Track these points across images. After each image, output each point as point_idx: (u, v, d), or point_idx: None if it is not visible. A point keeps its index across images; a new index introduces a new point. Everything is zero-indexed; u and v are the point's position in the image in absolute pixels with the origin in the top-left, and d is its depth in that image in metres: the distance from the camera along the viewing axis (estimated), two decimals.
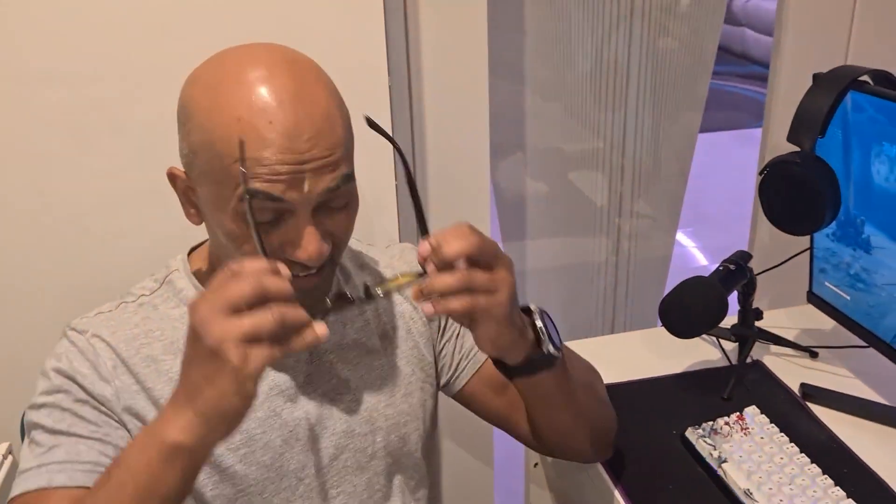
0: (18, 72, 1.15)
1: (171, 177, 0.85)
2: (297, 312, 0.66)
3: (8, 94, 1.16)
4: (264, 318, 0.63)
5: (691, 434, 1.13)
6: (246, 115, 0.73)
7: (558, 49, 1.67)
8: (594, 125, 1.74)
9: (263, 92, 0.74)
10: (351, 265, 0.99)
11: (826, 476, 1.03)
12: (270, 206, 0.75)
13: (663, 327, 1.22)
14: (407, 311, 0.98)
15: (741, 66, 6.63)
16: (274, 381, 0.88)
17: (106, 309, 0.89)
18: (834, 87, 1.09)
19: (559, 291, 1.88)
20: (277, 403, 0.88)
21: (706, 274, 1.22)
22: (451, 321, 1.00)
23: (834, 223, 1.17)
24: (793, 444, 1.09)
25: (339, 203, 0.80)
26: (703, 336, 1.40)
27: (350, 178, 0.79)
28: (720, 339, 1.39)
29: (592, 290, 1.86)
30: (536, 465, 1.37)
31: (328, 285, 0.85)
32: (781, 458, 1.06)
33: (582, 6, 1.63)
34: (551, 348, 0.84)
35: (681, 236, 3.82)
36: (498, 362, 0.87)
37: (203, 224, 0.85)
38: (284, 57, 0.78)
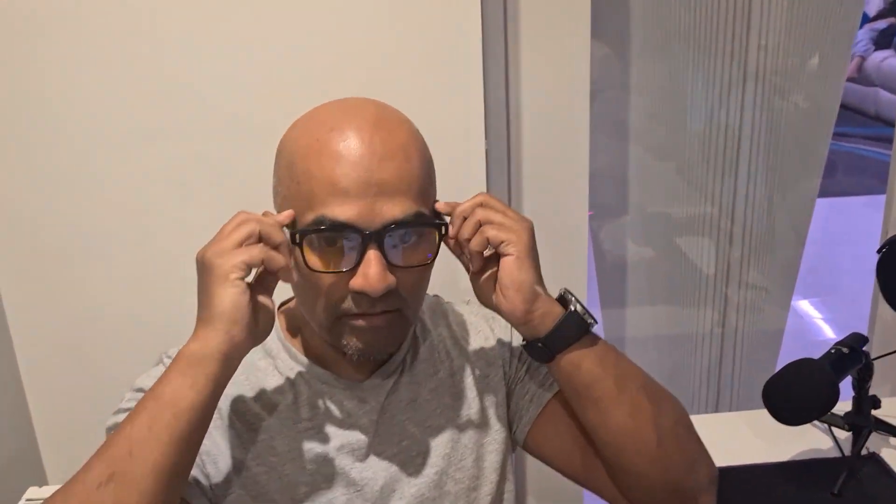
0: (128, 129, 1.21)
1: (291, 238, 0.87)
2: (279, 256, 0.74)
3: (118, 148, 1.22)
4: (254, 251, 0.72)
5: None
6: (325, 136, 0.75)
7: (667, 109, 1.63)
8: (704, 188, 1.67)
9: (346, 118, 0.77)
10: (430, 321, 0.97)
11: None
12: (338, 235, 0.75)
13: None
14: (483, 370, 0.95)
15: (874, 127, 6.30)
16: (344, 439, 0.87)
17: None
18: None
19: (660, 363, 1.79)
20: (346, 462, 0.86)
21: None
22: (521, 377, 0.95)
23: None
24: None
25: (410, 244, 0.77)
26: (815, 422, 1.29)
27: (423, 218, 0.77)
28: (832, 427, 1.28)
29: (696, 363, 1.76)
30: None
31: (395, 337, 0.82)
32: None
33: (693, 66, 1.58)
34: (578, 307, 0.82)
35: (806, 306, 3.61)
36: (532, 346, 0.83)
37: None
38: (376, 102, 0.81)
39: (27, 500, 1.19)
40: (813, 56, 1.59)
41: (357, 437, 0.87)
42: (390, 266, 0.75)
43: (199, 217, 1.24)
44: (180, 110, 1.21)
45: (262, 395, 0.86)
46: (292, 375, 0.87)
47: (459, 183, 1.29)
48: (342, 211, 0.73)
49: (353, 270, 0.75)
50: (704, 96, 1.61)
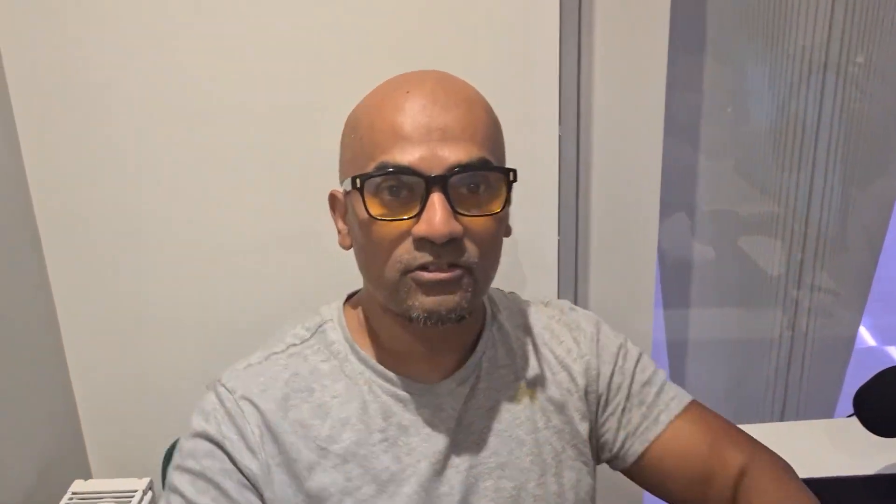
0: (183, 112, 1.16)
1: (331, 199, 0.83)
2: None
3: (172, 132, 1.17)
4: None
5: None
6: (388, 92, 0.74)
7: (731, 103, 1.55)
8: (771, 187, 1.59)
9: (410, 78, 0.76)
10: (508, 322, 0.90)
11: None
12: (401, 181, 0.71)
13: (849, 418, 1.06)
14: (564, 382, 0.88)
15: None
16: (420, 450, 0.81)
17: (255, 360, 0.83)
18: None
19: (724, 367, 1.71)
20: (423, 475, 0.80)
21: (872, 356, 1.05)
22: (613, 395, 0.89)
23: None
24: None
25: (477, 193, 0.73)
26: None
27: (489, 165, 0.73)
28: None
29: (762, 368, 1.68)
30: None
31: (464, 298, 0.74)
32: None
33: (756, 57, 1.50)
34: None
35: None
36: None
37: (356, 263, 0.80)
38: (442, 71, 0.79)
39: (73, 493, 1.15)
40: None
41: (434, 449, 0.81)
42: (455, 213, 0.71)
43: (254, 206, 1.20)
44: (235, 94, 1.16)
45: (328, 410, 0.80)
46: (361, 381, 0.82)
47: (532, 170, 1.23)
48: (404, 156, 0.70)
49: (416, 217, 0.71)
50: (772, 87, 1.53)
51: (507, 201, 0.75)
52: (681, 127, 1.56)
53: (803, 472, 1.14)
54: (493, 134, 0.75)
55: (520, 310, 0.92)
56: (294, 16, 1.13)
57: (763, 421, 1.65)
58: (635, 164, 1.31)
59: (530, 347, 0.89)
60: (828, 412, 1.69)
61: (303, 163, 1.19)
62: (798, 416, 1.71)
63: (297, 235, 1.22)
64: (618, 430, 0.89)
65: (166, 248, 1.22)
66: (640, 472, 0.89)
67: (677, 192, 1.61)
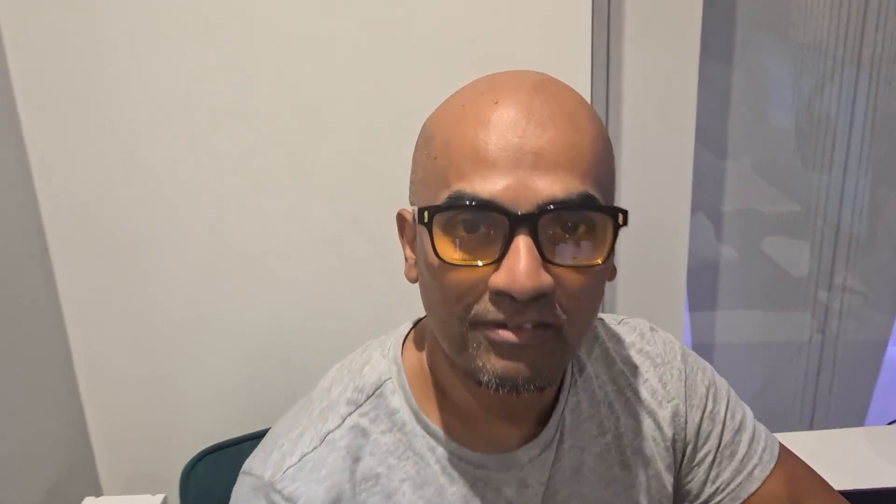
0: (201, 110, 1.11)
1: (399, 220, 0.68)
2: None
3: (189, 132, 1.11)
4: None
5: None
6: (472, 100, 0.59)
7: (750, 100, 1.50)
8: (797, 186, 1.55)
9: (502, 82, 0.60)
10: (588, 357, 0.77)
11: None
12: (478, 217, 0.56)
13: (890, 426, 1.02)
14: (650, 430, 0.76)
15: None
16: None
17: (309, 445, 0.67)
18: None
19: (751, 372, 1.66)
20: None
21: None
22: (702, 443, 0.78)
23: None
24: None
25: (575, 237, 0.58)
26: None
27: (593, 202, 0.57)
28: None
29: (791, 373, 1.63)
30: None
31: (548, 365, 0.60)
32: None
33: (786, 50, 1.45)
34: None
35: None
36: None
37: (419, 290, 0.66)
38: (544, 73, 0.63)
39: None
40: None
41: None
42: (546, 262, 0.56)
43: (275, 208, 1.15)
44: (257, 91, 1.10)
45: (399, 499, 0.67)
46: (433, 459, 0.68)
47: None
48: (485, 186, 0.55)
49: (495, 264, 0.56)
50: (797, 83, 1.49)
51: (612, 250, 0.59)
52: (705, 126, 1.52)
53: (842, 484, 1.09)
54: (602, 162, 0.59)
55: (596, 337, 0.78)
56: (315, 13, 1.08)
57: (792, 429, 1.60)
58: (665, 166, 1.27)
59: (612, 390, 0.76)
60: (859, 419, 1.64)
61: (326, 164, 1.14)
62: (828, 423, 1.66)
63: (320, 239, 1.17)
64: (704, 483, 0.79)
65: (183, 253, 1.17)
66: None
67: (700, 192, 1.57)
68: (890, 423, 1.26)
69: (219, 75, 1.09)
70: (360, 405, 0.68)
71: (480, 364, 0.59)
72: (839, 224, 1.56)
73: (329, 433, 0.67)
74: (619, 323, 0.81)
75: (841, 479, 1.10)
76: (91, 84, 1.08)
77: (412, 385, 0.69)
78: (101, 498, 1.11)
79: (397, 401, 0.68)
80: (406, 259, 0.68)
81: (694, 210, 1.59)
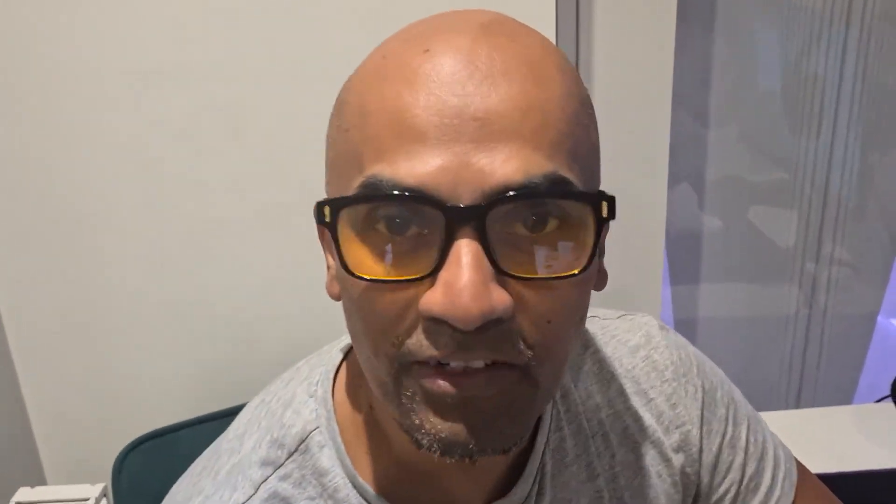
0: (126, 70, 1.03)
1: (319, 214, 0.45)
2: None
3: (114, 94, 1.03)
4: None
5: None
6: (396, 50, 0.43)
7: (734, 63, 1.43)
8: (784, 153, 1.48)
9: (438, 26, 0.43)
10: (575, 378, 0.61)
11: None
12: (403, 213, 0.41)
13: (877, 404, 1.02)
14: (653, 464, 0.61)
15: None
16: None
17: None
18: None
19: (735, 348, 1.61)
20: None
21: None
22: (720, 476, 0.64)
23: None
24: None
25: (541, 230, 0.41)
26: None
27: (566, 187, 0.41)
28: None
29: (777, 349, 1.57)
30: None
31: (512, 421, 0.44)
32: None
33: (771, 9, 1.38)
34: None
35: None
36: None
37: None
38: (496, 13, 0.46)
39: (16, 503, 1.03)
40: None
41: None
42: (500, 274, 0.40)
43: (219, 177, 1.08)
44: (195, 48, 1.02)
45: None
46: None
47: None
48: (412, 168, 0.39)
49: (430, 278, 0.40)
50: (783, 44, 1.42)
51: (596, 252, 0.42)
52: (687, 92, 1.45)
53: (827, 467, 1.04)
54: (578, 129, 0.43)
55: (587, 345, 0.62)
56: None
57: (777, 407, 1.54)
58: (641, 132, 1.19)
59: (608, 416, 0.60)
60: (848, 396, 1.59)
61: (271, 129, 1.06)
62: (815, 400, 1.61)
63: (266, 211, 1.09)
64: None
65: (121, 229, 1.09)
66: None
67: (682, 161, 1.50)
68: (878, 401, 1.20)
69: (144, 32, 1.01)
70: (280, 465, 0.53)
71: (417, 422, 0.43)
72: (827, 191, 1.49)
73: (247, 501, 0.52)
74: (618, 318, 0.65)
75: (825, 462, 1.05)
76: (16, 49, 1.01)
77: (346, 436, 0.53)
78: (37, 488, 1.05)
79: (327, 459, 0.52)
80: (328, 268, 0.51)
81: (677, 180, 1.52)
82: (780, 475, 0.66)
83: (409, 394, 0.43)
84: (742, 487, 0.64)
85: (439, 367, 0.41)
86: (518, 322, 0.41)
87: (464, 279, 0.38)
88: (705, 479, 0.63)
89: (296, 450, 0.53)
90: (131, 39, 1.01)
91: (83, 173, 1.06)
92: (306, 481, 0.52)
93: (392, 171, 0.39)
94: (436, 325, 0.40)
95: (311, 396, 0.54)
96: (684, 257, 1.57)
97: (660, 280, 1.27)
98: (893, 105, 1.44)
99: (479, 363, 0.41)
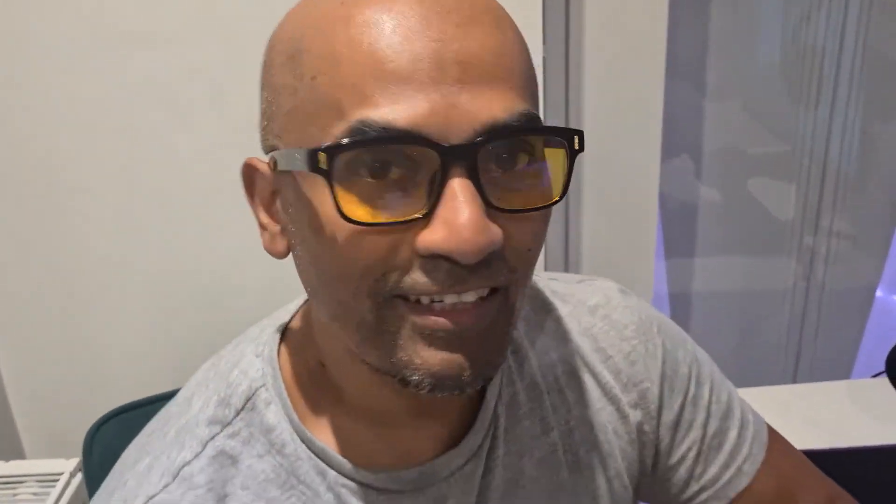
0: (103, 34, 1.00)
1: (247, 173, 0.51)
2: None
3: (90, 60, 1.01)
4: None
5: None
6: None
7: (733, 32, 1.39)
8: (782, 125, 1.45)
9: None
10: (529, 332, 0.62)
11: None
12: (390, 155, 0.42)
13: (875, 379, 1.00)
14: (611, 420, 0.61)
15: None
16: None
17: (158, 485, 0.51)
18: None
19: (732, 322, 1.58)
20: None
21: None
22: (682, 435, 0.64)
23: None
24: None
25: (512, 168, 0.44)
26: None
27: (541, 123, 0.44)
28: None
29: (773, 323, 1.55)
30: None
31: (497, 346, 0.47)
32: None
33: None
34: None
35: None
36: None
37: (292, 256, 0.51)
38: None
39: None
40: None
41: None
42: (490, 209, 0.42)
43: (195, 146, 1.05)
44: (176, 13, 0.99)
45: None
46: (323, 488, 0.53)
47: None
48: (401, 110, 0.40)
49: (425, 218, 0.42)
50: (784, 12, 1.38)
51: (569, 177, 0.45)
52: (685, 61, 1.41)
53: (823, 443, 1.01)
54: (532, 72, 0.46)
55: (546, 306, 0.63)
56: None
57: (774, 382, 1.52)
58: (633, 99, 1.16)
59: (563, 372, 0.61)
60: (846, 370, 1.56)
61: (246, 95, 1.03)
62: (812, 375, 1.58)
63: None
64: (688, 481, 0.65)
65: (97, 205, 1.07)
66: None
67: (675, 132, 1.47)
68: (874, 376, 1.17)
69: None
70: (228, 423, 0.53)
71: (406, 358, 0.44)
72: (826, 163, 1.46)
73: (184, 465, 0.52)
74: (578, 282, 0.66)
75: (820, 438, 1.02)
76: None
77: (292, 391, 0.54)
78: (11, 462, 1.04)
79: (273, 415, 0.53)
80: (263, 227, 0.51)
81: (676, 151, 1.49)
82: (748, 435, 0.65)
83: (392, 330, 0.44)
84: (704, 446, 0.64)
85: (430, 304, 0.43)
86: (504, 252, 0.44)
87: (465, 215, 0.40)
88: (666, 437, 0.63)
89: (242, 408, 0.53)
90: (109, 5, 0.98)
91: (57, 142, 1.04)
92: (254, 438, 0.53)
93: (381, 115, 0.40)
94: (433, 261, 0.42)
95: (258, 356, 0.55)
96: (681, 230, 1.54)
97: (653, 253, 1.24)
98: (894, 75, 1.41)
99: (471, 297, 0.43)
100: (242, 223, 1.08)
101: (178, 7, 0.99)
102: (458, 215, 0.40)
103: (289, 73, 0.45)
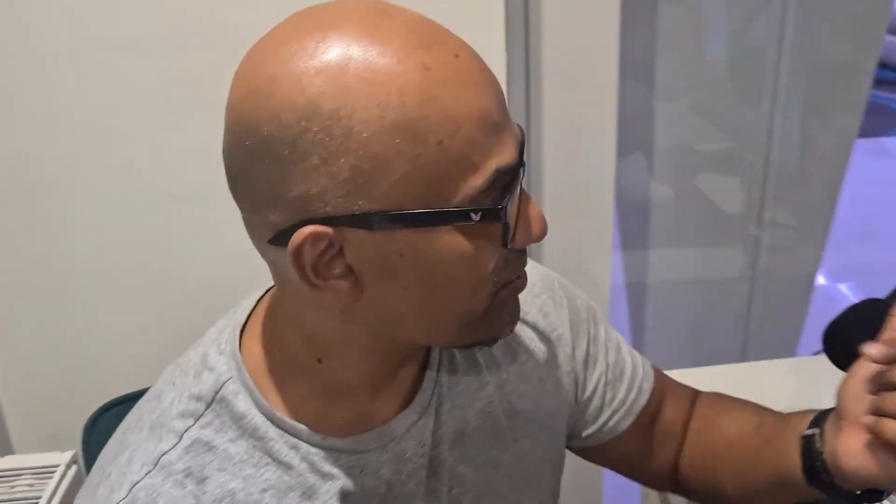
0: (96, 42, 1.04)
1: (301, 247, 0.51)
2: None
3: (85, 66, 1.04)
4: None
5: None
6: (425, 58, 0.48)
7: (681, 34, 1.48)
8: (728, 123, 1.54)
9: (388, 24, 0.49)
10: None
11: None
12: (508, 181, 0.51)
13: (815, 356, 1.05)
14: (535, 369, 0.71)
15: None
16: (390, 491, 0.63)
17: (140, 473, 0.56)
18: None
19: (684, 308, 1.67)
20: None
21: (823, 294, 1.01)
22: (591, 370, 0.75)
23: None
24: None
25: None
26: None
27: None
28: None
29: (723, 309, 1.64)
30: None
31: None
32: None
33: None
34: None
35: None
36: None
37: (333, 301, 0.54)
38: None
39: None
40: None
41: (401, 489, 0.63)
42: None
43: (185, 146, 1.09)
44: (165, 18, 1.03)
45: None
46: (296, 460, 0.59)
47: None
48: (509, 151, 0.51)
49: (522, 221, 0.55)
50: (728, 16, 1.47)
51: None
52: (637, 63, 1.49)
53: None
54: None
55: None
56: None
57: (725, 362, 1.61)
58: (589, 101, 1.22)
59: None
60: (790, 351, 1.66)
61: None
62: (760, 357, 1.67)
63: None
64: (601, 407, 0.75)
65: (88, 196, 1.10)
66: (615, 447, 0.77)
67: (631, 131, 1.55)
68: (815, 354, 1.27)
69: (115, 4, 1.02)
70: (200, 416, 0.58)
71: (500, 324, 0.58)
72: (769, 158, 1.55)
73: (163, 455, 0.57)
74: None
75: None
76: None
77: (258, 380, 0.59)
78: (6, 457, 1.07)
79: (242, 403, 0.58)
80: (337, 292, 0.52)
81: (630, 149, 1.57)
82: (639, 360, 0.77)
83: (496, 311, 0.56)
84: (610, 375, 0.75)
85: (516, 279, 0.57)
86: None
87: (537, 211, 0.54)
88: (581, 374, 0.74)
89: (213, 400, 0.59)
90: (100, 10, 1.02)
91: (50, 141, 1.07)
92: (226, 426, 0.58)
93: (505, 161, 0.50)
94: (517, 254, 0.55)
95: (221, 353, 0.61)
96: (636, 223, 1.62)
97: (609, 245, 1.32)
98: (830, 75, 1.50)
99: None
100: (231, 223, 1.13)
101: (167, 12, 1.03)
102: (536, 212, 0.54)
103: (397, 141, 0.47)
